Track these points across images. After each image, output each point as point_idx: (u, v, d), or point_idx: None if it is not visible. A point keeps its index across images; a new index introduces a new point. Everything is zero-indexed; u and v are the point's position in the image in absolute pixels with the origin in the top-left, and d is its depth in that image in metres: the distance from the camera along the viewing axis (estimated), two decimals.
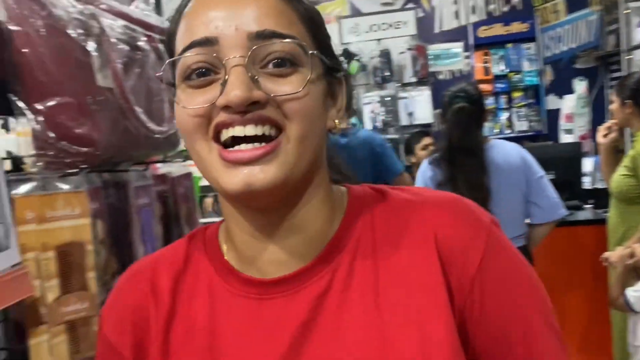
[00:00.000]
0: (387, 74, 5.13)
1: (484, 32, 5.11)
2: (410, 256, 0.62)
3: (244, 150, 0.56)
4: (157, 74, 0.60)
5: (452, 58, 5.24)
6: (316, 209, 0.63)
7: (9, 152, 1.48)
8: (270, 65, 0.57)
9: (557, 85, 5.06)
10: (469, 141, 2.33)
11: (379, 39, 5.23)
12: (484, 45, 5.14)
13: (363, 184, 0.71)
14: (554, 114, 5.05)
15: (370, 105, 5.14)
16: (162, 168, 1.44)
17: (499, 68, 5.13)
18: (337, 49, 5.08)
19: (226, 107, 0.55)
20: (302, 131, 0.57)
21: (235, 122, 0.55)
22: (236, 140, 0.56)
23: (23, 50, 0.97)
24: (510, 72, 5.12)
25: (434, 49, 5.20)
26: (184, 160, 1.54)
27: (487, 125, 5.18)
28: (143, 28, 1.21)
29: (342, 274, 0.61)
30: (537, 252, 2.59)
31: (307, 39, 0.60)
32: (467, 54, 5.21)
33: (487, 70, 5.14)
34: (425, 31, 5.25)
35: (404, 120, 5.14)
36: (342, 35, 5.24)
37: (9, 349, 0.98)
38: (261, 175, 0.55)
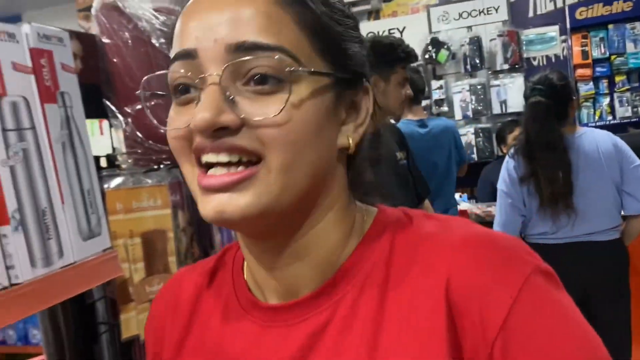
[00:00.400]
0: (478, 61, 5.01)
1: (583, 14, 4.84)
2: (418, 301, 0.52)
3: (217, 175, 0.50)
4: (142, 80, 0.57)
5: (547, 43, 5.02)
6: (323, 234, 0.56)
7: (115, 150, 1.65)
8: (252, 83, 0.50)
9: None
10: (545, 136, 2.27)
11: (469, 26, 5.12)
12: (582, 27, 4.86)
13: (400, 206, 0.62)
14: None
15: (460, 94, 5.06)
16: None
17: (599, 51, 4.83)
18: (426, 38, 5.05)
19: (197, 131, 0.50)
20: (285, 161, 0.50)
21: (207, 149, 0.50)
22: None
23: (114, 60, 1.10)
24: (612, 54, 4.81)
25: (527, 34, 5.01)
26: None
27: (585, 112, 4.93)
28: None
29: (344, 310, 0.54)
30: (634, 247, 2.47)
31: (304, 48, 0.51)
32: (563, 37, 4.97)
33: (585, 54, 4.87)
34: (519, 16, 5.06)
35: (497, 109, 5.00)
36: (431, 24, 5.19)
37: (108, 323, 1.12)
38: (231, 204, 0.49)
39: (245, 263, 0.64)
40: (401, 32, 5.25)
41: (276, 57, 0.49)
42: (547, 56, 5.03)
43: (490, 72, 5.06)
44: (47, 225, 0.78)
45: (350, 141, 0.56)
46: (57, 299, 0.78)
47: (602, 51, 4.82)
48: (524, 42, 4.99)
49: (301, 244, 0.56)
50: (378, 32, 5.30)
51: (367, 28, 5.39)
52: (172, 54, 0.53)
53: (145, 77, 0.56)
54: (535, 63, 5.03)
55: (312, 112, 0.51)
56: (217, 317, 0.62)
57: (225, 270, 0.66)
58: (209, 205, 0.51)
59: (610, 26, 4.78)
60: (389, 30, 5.28)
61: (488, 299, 0.49)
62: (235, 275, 0.64)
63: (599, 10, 4.78)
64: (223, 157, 0.50)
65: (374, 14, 5.43)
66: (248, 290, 0.62)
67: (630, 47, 4.74)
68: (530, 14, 5.05)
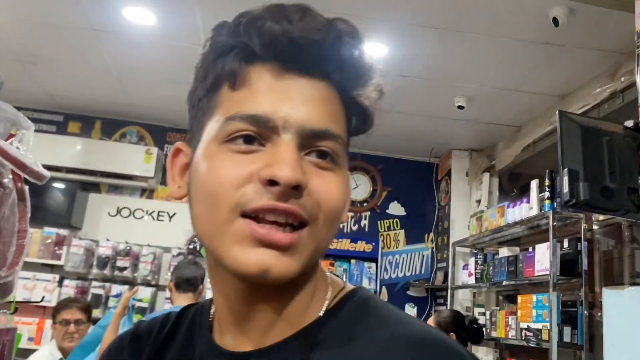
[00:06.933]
0: None
1: (332, 245, 5.43)
2: None
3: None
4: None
5: None
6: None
7: None
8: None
9: None
10: None
11: None
12: (330, 255, 5.44)
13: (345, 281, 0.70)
14: None
15: None
16: None
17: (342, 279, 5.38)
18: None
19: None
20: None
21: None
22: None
23: None
24: None
25: None
26: (13, 313, 1.36)
27: None
28: (14, 165, 1.15)
29: None
30: None
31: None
32: None
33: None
34: None
35: None
36: None
37: None
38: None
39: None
40: (170, 217, 5.26)
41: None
42: None
43: None
44: None
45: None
46: None
47: (344, 281, 5.37)
48: None
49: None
50: (147, 211, 5.25)
51: (137, 204, 5.30)
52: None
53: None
54: None
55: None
56: None
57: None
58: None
59: (353, 261, 5.44)
60: (158, 212, 5.26)
61: None
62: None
63: (346, 244, 5.45)
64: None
65: (148, 192, 5.39)
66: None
67: (365, 282, 5.38)
68: None
